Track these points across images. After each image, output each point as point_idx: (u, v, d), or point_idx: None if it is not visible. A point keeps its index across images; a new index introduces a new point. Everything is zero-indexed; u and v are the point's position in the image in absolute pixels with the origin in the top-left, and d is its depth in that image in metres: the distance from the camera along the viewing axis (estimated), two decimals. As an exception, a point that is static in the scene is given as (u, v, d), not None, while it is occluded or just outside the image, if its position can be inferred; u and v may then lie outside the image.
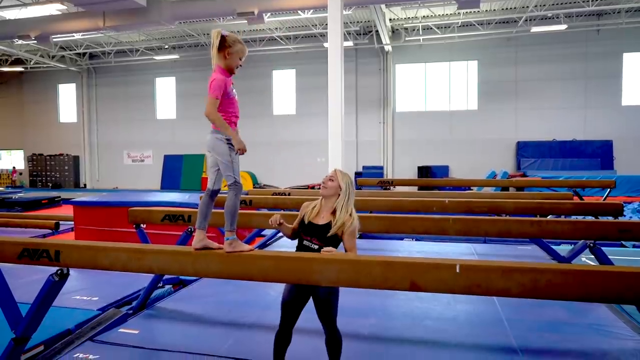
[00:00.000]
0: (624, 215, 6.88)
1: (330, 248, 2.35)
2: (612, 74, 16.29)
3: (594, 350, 3.14)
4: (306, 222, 2.52)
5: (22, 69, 21.14)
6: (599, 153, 16.09)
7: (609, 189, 8.00)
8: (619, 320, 3.65)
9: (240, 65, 2.40)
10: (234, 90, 2.37)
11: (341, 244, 2.50)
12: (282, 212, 5.00)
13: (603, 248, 4.02)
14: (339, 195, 2.51)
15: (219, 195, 2.46)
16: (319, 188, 2.68)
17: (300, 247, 2.53)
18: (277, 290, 2.58)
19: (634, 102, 16.28)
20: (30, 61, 20.05)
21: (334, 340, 2.55)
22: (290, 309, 2.54)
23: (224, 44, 2.31)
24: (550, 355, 3.08)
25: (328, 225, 2.46)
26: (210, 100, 2.25)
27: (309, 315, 2.55)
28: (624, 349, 3.14)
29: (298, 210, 2.65)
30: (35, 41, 13.67)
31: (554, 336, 3.37)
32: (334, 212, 2.48)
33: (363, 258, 2.24)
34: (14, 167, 23.30)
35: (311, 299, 2.52)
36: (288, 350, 2.62)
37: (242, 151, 2.31)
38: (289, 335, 2.59)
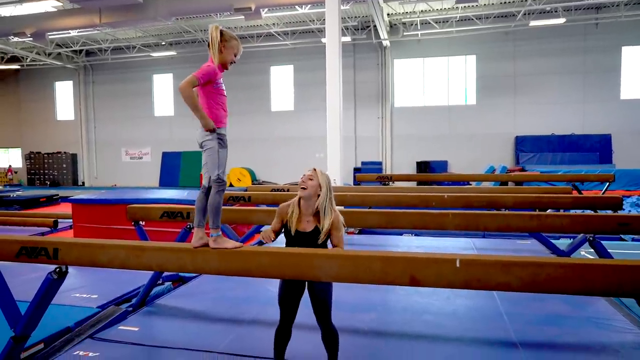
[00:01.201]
0: (623, 209, 6.87)
1: None
2: (610, 68, 16.26)
3: (593, 344, 3.15)
4: (293, 232, 2.43)
5: (18, 67, 21.00)
6: (598, 147, 16.09)
7: (607, 183, 8.00)
8: (618, 314, 3.66)
9: (234, 62, 2.40)
10: (223, 85, 2.38)
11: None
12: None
13: (602, 242, 4.03)
14: (319, 195, 2.41)
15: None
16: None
17: None
18: (276, 287, 2.57)
19: (633, 95, 16.27)
20: (27, 59, 19.92)
21: (330, 335, 2.54)
22: (286, 305, 2.53)
23: (221, 38, 2.34)
24: (550, 348, 3.09)
25: (316, 231, 2.41)
26: (189, 78, 2.21)
27: (309, 311, 2.54)
28: (623, 342, 3.16)
29: None
30: (31, 38, 13.60)
31: (553, 330, 3.37)
32: (316, 214, 2.42)
33: (363, 253, 2.23)
34: (10, 166, 23.22)
35: (308, 295, 2.51)
36: (288, 346, 2.62)
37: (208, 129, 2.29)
38: (289, 331, 2.59)
